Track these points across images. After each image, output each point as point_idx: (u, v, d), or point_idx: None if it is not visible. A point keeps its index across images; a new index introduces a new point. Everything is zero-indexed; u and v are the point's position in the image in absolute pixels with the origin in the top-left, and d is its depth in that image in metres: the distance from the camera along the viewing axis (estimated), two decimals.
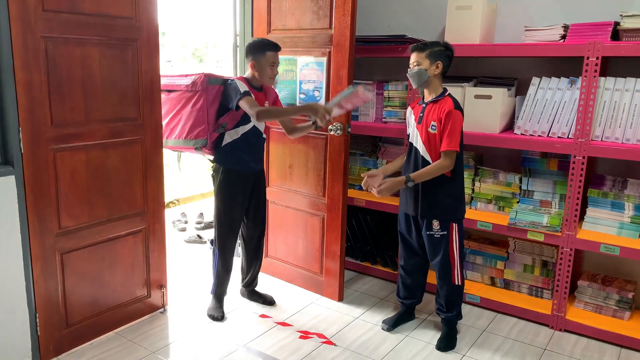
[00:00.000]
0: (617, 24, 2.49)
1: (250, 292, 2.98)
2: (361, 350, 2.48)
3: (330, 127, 2.81)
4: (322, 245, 3.01)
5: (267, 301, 2.94)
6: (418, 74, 2.39)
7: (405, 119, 3.03)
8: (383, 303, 2.99)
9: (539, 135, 2.66)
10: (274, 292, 3.04)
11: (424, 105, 2.45)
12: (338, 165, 2.88)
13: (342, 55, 2.77)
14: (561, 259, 2.63)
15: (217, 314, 2.75)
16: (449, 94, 2.41)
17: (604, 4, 2.66)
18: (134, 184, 2.56)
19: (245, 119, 2.60)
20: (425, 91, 2.45)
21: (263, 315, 2.80)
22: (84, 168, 2.34)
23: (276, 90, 2.87)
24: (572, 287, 2.76)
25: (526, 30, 2.74)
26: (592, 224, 2.64)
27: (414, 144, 2.47)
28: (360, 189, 3.42)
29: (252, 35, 3.17)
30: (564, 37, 2.62)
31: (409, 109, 2.57)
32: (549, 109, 2.65)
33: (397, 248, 3.19)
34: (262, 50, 2.58)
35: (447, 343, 2.52)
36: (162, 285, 2.80)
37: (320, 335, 2.61)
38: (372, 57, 3.29)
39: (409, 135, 2.53)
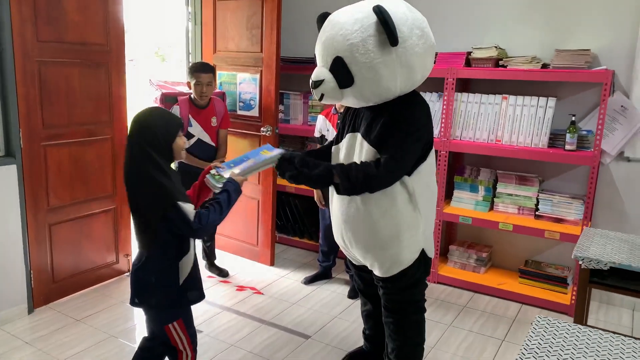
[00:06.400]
0: (469, 53, 3.38)
1: (210, 264, 3.67)
2: (281, 296, 3.29)
3: (262, 128, 3.60)
4: (257, 222, 3.80)
5: (222, 273, 3.61)
6: None
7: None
8: (306, 266, 3.81)
9: None
10: (221, 261, 3.79)
11: None
12: None
13: (270, 73, 3.57)
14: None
15: None
16: None
17: (463, 38, 3.54)
18: (105, 172, 3.28)
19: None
20: None
21: (209, 277, 3.55)
22: (67, 160, 3.06)
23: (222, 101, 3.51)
24: (446, 251, 3.65)
25: None
26: (457, 202, 3.53)
27: None
28: None
29: (202, 54, 3.93)
30: (434, 62, 3.48)
31: None
32: None
33: (318, 225, 4.01)
34: (190, 72, 3.20)
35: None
36: (127, 254, 3.51)
37: (252, 288, 3.40)
38: (298, 74, 4.10)
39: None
